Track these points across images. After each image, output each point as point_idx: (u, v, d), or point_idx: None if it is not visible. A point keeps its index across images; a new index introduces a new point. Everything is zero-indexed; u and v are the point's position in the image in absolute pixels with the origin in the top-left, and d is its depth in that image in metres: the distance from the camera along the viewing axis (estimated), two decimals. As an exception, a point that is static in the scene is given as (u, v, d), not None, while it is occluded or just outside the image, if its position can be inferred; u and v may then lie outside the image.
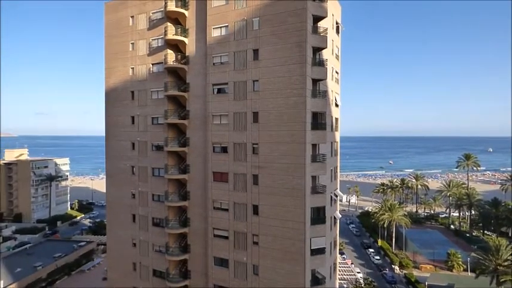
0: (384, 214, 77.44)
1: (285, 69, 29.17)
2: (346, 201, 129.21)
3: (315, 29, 30.10)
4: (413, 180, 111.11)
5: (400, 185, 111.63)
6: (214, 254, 33.24)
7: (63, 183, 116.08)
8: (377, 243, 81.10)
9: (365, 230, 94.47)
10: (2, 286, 54.91)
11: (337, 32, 36.73)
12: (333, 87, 35.55)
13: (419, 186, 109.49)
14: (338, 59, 37.48)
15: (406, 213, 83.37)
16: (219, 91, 32.78)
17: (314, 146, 30.55)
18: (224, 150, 32.58)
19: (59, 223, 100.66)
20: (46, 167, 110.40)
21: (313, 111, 29.99)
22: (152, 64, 37.02)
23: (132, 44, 38.22)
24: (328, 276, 33.20)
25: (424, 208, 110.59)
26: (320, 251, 30.57)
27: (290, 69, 29.00)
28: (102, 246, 74.39)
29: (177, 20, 35.54)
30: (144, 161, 37.97)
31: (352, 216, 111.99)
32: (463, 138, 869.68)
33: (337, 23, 36.19)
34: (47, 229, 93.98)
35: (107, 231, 42.80)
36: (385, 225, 77.86)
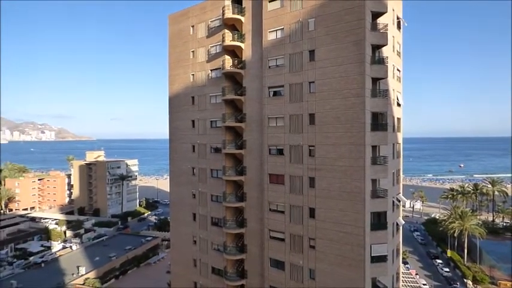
0: (454, 222, 70.73)
1: (342, 69, 28.38)
2: (410, 206, 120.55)
3: (374, 26, 28.82)
4: (489, 186, 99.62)
5: (472, 191, 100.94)
6: (270, 255, 33.52)
7: (133, 182, 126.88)
8: (446, 253, 74.33)
9: (431, 239, 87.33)
10: (84, 272, 61.96)
11: (399, 27, 34.70)
12: (395, 86, 33.63)
13: (496, 193, 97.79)
14: (399, 56, 35.37)
15: (480, 222, 75.12)
16: (275, 94, 33.08)
17: (374, 147, 29.17)
18: (280, 152, 32.74)
19: (129, 219, 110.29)
20: (119, 167, 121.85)
21: (373, 112, 28.68)
22: (211, 70, 38.75)
23: (193, 51, 40.43)
24: (390, 286, 31.35)
25: (503, 217, 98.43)
26: (381, 259, 29.02)
27: (348, 69, 28.14)
28: (166, 241, 79.54)
29: (233, 26, 36.75)
30: (203, 162, 39.83)
31: (417, 223, 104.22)
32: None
33: (398, 18, 34.19)
34: (119, 223, 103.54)
35: (171, 228, 45.72)
36: (455, 235, 70.95)
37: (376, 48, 29.49)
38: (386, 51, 30.66)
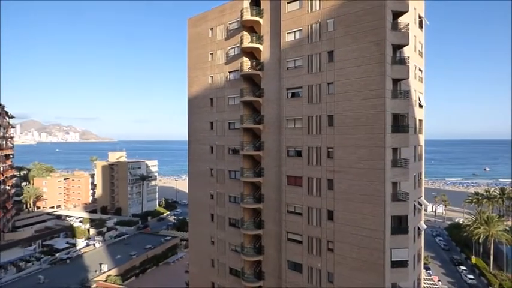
0: (479, 228, 68.00)
1: (362, 69, 27.97)
2: (432, 211, 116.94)
3: (395, 26, 28.26)
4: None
5: (499, 195, 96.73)
6: (288, 257, 33.38)
7: (153, 182, 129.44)
8: (470, 260, 71.59)
9: (455, 244, 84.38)
10: (106, 269, 63.77)
11: (421, 26, 33.87)
12: (416, 87, 32.81)
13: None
14: (422, 56, 34.49)
15: (507, 227, 71.86)
16: (293, 95, 32.99)
17: (395, 150, 28.56)
18: (298, 154, 32.60)
19: (149, 218, 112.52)
20: (139, 168, 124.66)
21: (394, 113, 28.08)
22: (229, 72, 39.10)
23: (211, 54, 40.94)
24: (412, 292, 30.51)
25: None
26: (402, 264, 28.32)
27: (367, 70, 27.71)
28: (185, 241, 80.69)
29: (252, 28, 36.96)
30: (221, 163, 40.19)
31: (439, 228, 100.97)
32: None
33: (420, 17, 33.38)
34: (140, 223, 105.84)
35: (189, 228, 46.36)
36: (480, 241, 68.16)
37: (397, 48, 28.90)
38: (407, 51, 30.01)
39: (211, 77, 41.02)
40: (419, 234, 33.56)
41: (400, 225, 28.53)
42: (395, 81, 28.57)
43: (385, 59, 26.92)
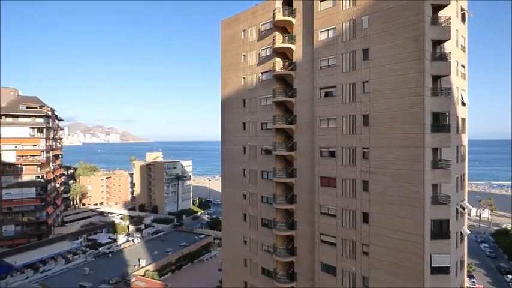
0: (533, 235, 62.69)
1: (399, 67, 26.96)
2: (476, 215, 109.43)
3: (435, 20, 26.93)
4: None
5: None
6: (321, 259, 32.93)
7: (187, 182, 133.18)
8: (521, 269, 66.18)
9: (502, 252, 78.47)
10: (144, 264, 66.69)
11: (463, 19, 31.95)
12: (459, 84, 31.02)
13: None
14: (464, 51, 32.53)
15: None
16: (327, 94, 32.53)
17: (435, 150, 27.18)
18: (332, 154, 32.07)
19: (184, 216, 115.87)
20: (175, 167, 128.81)
21: (434, 112, 26.76)
22: (261, 73, 39.34)
23: (244, 55, 41.43)
24: (454, 301, 28.86)
25: None
26: (443, 270, 26.89)
27: (405, 67, 26.66)
28: (218, 240, 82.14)
29: (284, 28, 36.93)
30: (254, 164, 40.51)
31: (485, 233, 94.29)
32: None
33: (462, 10, 31.50)
34: (175, 221, 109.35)
35: (222, 228, 47.21)
36: (533, 249, 62.90)
37: (438, 43, 27.51)
38: (449, 46, 28.46)
39: (244, 78, 41.51)
40: (462, 239, 31.66)
41: (441, 229, 27.11)
42: (436, 78, 27.20)
43: (424, 55, 25.75)
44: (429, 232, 26.45)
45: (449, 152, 28.20)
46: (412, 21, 26.25)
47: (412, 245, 26.51)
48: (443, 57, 27.20)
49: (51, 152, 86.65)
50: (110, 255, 76.41)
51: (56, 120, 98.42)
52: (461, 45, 31.84)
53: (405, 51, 26.66)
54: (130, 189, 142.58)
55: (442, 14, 27.56)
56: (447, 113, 27.64)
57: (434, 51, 27.03)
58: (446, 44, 28.13)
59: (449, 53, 27.73)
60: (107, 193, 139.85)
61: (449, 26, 26.91)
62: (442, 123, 27.37)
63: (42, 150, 79.87)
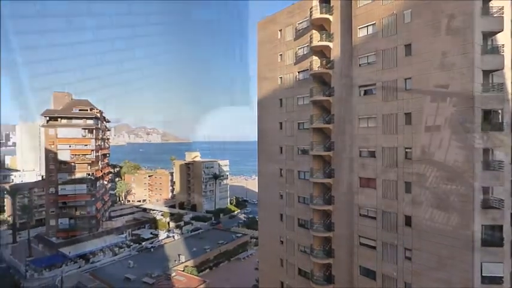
0: None
1: (445, 62, 25.43)
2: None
3: (486, 10, 25.05)
4: None
5: None
6: (360, 263, 32.00)
7: (224, 181, 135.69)
8: None
9: None
10: (183, 260, 69.22)
11: (520, 8, 29.32)
12: (514, 78, 28.52)
13: None
14: (522, 42, 29.83)
15: None
16: (366, 93, 31.55)
17: (486, 151, 25.28)
18: (371, 154, 31.05)
19: (221, 215, 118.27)
20: (212, 167, 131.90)
21: (485, 109, 24.92)
22: (298, 72, 39.09)
23: (281, 55, 41.43)
24: (509, 314, 26.61)
25: None
26: (495, 280, 24.89)
27: (451, 62, 25.10)
28: (254, 239, 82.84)
29: (321, 26, 36.40)
30: (290, 164, 40.35)
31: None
32: None
33: (519, -2, 28.93)
34: (212, 219, 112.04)
35: (259, 227, 47.58)
36: None
37: (489, 35, 25.59)
38: (502, 38, 26.32)
39: (281, 77, 41.51)
40: (518, 248, 29.07)
41: (492, 235, 25.13)
42: (487, 73, 25.31)
43: (473, 49, 24.08)
44: (479, 238, 24.66)
45: (502, 152, 26.06)
46: (459, 12, 24.66)
47: (459, 251, 24.88)
48: (496, 50, 25.24)
49: (100, 151, 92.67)
50: (152, 249, 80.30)
51: (104, 122, 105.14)
52: (517, 37, 29.26)
53: (452, 45, 25.10)
54: (171, 187, 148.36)
55: (494, 4, 25.55)
56: (500, 111, 25.60)
57: (485, 44, 25.18)
58: (499, 35, 26.06)
59: (503, 45, 25.64)
60: (149, 191, 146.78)
61: (502, 17, 24.92)
62: (494, 121, 25.41)
63: (92, 150, 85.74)
